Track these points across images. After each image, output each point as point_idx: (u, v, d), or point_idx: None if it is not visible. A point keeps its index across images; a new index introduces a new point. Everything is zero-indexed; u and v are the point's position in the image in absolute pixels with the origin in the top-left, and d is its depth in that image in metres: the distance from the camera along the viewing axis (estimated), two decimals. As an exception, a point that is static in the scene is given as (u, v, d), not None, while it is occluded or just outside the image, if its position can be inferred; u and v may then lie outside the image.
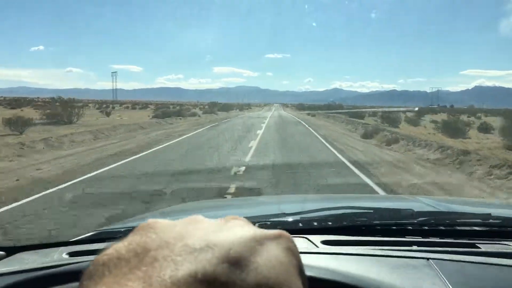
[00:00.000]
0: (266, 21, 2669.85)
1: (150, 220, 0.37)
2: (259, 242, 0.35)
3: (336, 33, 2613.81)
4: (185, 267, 0.30)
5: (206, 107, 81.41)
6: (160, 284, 0.28)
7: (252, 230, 0.36)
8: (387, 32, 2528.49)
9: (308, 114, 61.31)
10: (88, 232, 1.60)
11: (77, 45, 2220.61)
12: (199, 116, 45.29)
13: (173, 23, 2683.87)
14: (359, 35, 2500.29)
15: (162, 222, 0.36)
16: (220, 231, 0.35)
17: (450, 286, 0.86)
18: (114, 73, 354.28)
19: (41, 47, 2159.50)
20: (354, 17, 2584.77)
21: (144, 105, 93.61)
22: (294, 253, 0.36)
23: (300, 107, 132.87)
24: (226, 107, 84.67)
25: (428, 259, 1.03)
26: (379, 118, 37.50)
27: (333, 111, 60.28)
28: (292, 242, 0.37)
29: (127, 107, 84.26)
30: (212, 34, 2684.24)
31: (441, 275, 0.93)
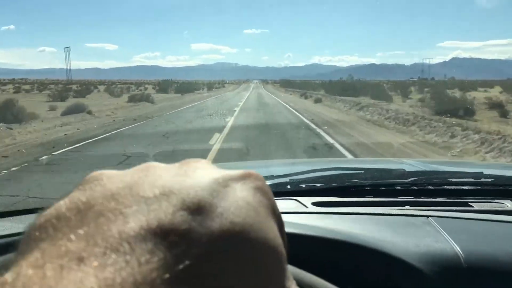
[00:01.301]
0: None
1: (95, 172, 0.32)
2: (223, 184, 0.30)
3: (314, 7, 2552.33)
4: (136, 220, 0.26)
5: (156, 87, 61.40)
6: (107, 242, 0.24)
7: (214, 172, 0.32)
8: (364, 5, 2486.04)
9: (304, 97, 40.99)
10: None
11: (50, 24, 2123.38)
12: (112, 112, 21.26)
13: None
14: (336, 9, 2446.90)
15: (108, 173, 0.32)
16: (177, 176, 0.31)
17: (454, 243, 0.86)
18: (66, 49, 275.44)
19: (12, 27, 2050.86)
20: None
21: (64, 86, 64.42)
22: (265, 192, 0.32)
23: (286, 84, 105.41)
24: (187, 87, 60.80)
25: (427, 216, 1.01)
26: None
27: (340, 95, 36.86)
28: (262, 180, 0.34)
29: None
30: (189, 10, 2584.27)
31: (443, 232, 0.92)
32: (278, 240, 0.30)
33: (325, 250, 0.81)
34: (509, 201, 1.30)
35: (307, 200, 1.25)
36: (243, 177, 0.32)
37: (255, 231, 0.28)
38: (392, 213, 1.05)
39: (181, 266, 0.24)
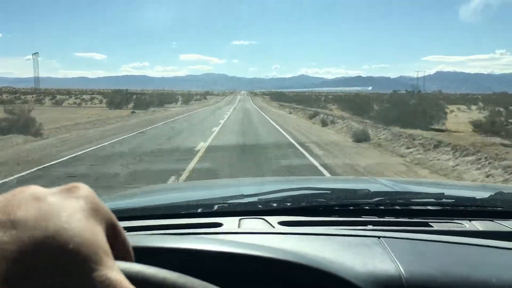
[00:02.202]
0: (231, 7, 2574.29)
1: None
2: (41, 200, 0.34)
3: (302, 20, 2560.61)
4: None
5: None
6: None
7: (37, 191, 0.35)
8: (351, 19, 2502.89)
9: (319, 121, 24.50)
10: None
11: (37, 32, 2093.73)
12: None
13: (137, 8, 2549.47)
14: (324, 22, 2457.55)
15: None
16: (4, 199, 0.34)
17: (398, 263, 0.89)
18: (35, 55, 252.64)
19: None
20: (319, 3, 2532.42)
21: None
22: (87, 198, 0.36)
23: (278, 96, 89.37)
24: (159, 99, 50.33)
25: (379, 237, 1.04)
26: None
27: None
28: (87, 189, 0.37)
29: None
30: (177, 21, 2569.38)
31: (390, 253, 0.95)
32: (95, 237, 0.33)
33: (278, 271, 0.83)
34: (467, 221, 1.34)
35: (275, 220, 1.30)
36: (65, 190, 0.36)
37: (64, 235, 0.31)
38: (348, 233, 1.08)
39: None
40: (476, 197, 1.56)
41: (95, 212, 0.36)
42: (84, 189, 0.37)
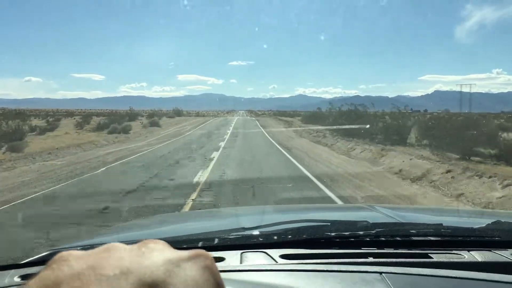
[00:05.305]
0: (229, 28, 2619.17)
1: (63, 252, 0.35)
2: (175, 264, 0.35)
3: (298, 40, 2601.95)
4: None
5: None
6: None
7: (168, 253, 0.37)
8: (347, 39, 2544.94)
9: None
10: (41, 253, 1.47)
11: (36, 53, 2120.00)
12: None
13: (135, 31, 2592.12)
14: (320, 42, 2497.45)
15: (75, 254, 0.35)
16: (135, 257, 0.35)
17: None
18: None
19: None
20: (315, 24, 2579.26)
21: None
22: (212, 271, 0.37)
23: (311, 118, 46.62)
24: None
25: (381, 273, 1.06)
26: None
27: None
28: (210, 260, 0.38)
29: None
30: (175, 42, 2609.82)
31: None
32: None
33: None
34: (466, 251, 1.37)
35: (276, 253, 1.31)
36: (193, 257, 0.37)
37: None
38: (349, 269, 1.09)
39: None
40: (474, 227, 1.58)
41: (218, 285, 0.37)
42: (208, 258, 0.38)
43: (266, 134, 29.84)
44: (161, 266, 0.35)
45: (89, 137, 25.37)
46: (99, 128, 32.95)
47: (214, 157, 15.64)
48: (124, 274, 0.32)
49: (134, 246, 0.38)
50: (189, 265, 0.36)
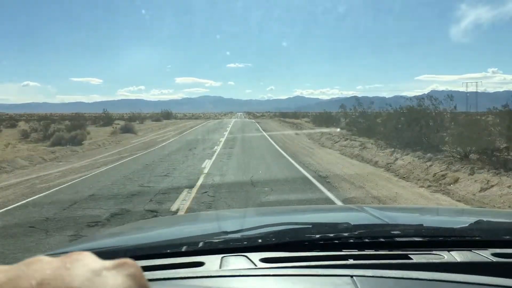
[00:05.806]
0: (226, 31, 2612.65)
1: None
2: (96, 273, 0.36)
3: (295, 41, 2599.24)
4: None
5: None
6: None
7: (92, 263, 0.37)
8: (344, 40, 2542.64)
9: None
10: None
11: (34, 58, 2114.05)
12: None
13: (132, 34, 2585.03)
14: (317, 43, 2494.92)
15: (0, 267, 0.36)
16: (56, 268, 0.36)
17: None
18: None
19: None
20: (312, 25, 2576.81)
21: None
22: (136, 279, 0.38)
23: (323, 119, 39.94)
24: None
25: (352, 276, 1.06)
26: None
27: None
28: (135, 267, 0.39)
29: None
30: (172, 45, 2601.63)
31: None
32: None
33: None
34: (446, 252, 1.36)
35: (257, 256, 1.31)
36: (117, 266, 0.38)
37: None
38: (321, 273, 1.11)
39: None
40: (454, 227, 1.58)
41: None
42: (133, 266, 0.39)
43: (274, 144, 21.96)
44: (81, 276, 0.35)
45: (16, 152, 18.26)
46: (46, 137, 25.56)
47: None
48: (40, 285, 0.33)
49: (58, 258, 0.38)
50: (112, 274, 0.37)
